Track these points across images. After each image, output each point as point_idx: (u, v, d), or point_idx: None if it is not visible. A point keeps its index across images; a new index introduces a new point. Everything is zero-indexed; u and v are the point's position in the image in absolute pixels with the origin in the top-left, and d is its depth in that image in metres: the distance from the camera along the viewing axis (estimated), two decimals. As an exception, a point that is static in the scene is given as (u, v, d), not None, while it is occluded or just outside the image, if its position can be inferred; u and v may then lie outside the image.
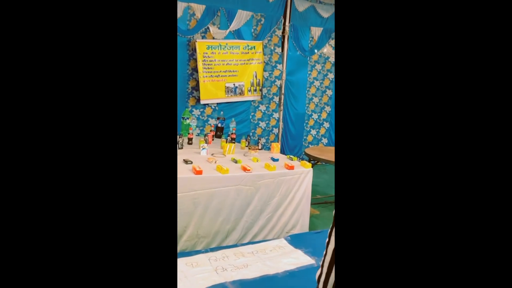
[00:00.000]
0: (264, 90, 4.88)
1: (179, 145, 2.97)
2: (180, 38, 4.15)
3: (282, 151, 4.08)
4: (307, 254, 1.43)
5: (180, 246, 2.21)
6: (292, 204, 2.76)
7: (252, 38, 4.60)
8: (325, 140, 5.57)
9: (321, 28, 4.98)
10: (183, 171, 2.33)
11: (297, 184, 2.77)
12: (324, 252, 0.81)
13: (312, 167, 2.88)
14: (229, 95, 4.60)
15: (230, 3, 4.29)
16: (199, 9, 4.14)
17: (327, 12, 4.89)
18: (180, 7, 3.97)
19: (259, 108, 4.94)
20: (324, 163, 3.75)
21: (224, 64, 4.46)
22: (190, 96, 4.42)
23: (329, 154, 3.61)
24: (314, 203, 3.57)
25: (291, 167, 2.75)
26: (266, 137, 5.00)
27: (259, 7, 4.46)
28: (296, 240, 1.55)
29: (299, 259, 1.40)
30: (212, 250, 1.68)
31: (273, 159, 2.94)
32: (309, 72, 5.22)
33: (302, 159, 3.56)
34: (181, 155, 2.74)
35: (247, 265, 1.32)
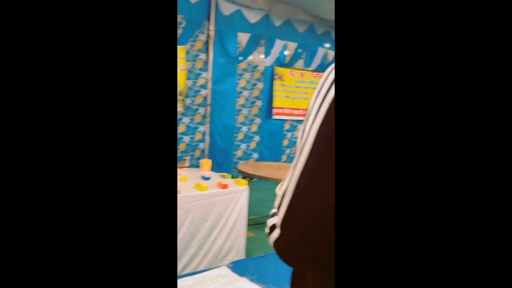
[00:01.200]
0: (188, 101, 4.81)
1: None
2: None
3: (213, 169, 4.01)
4: (253, 281, 1.41)
5: None
6: (226, 227, 2.73)
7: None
8: (255, 155, 5.63)
9: (249, 34, 5.05)
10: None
11: (232, 204, 2.76)
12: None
13: (247, 184, 2.87)
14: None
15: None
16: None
17: (255, 17, 4.99)
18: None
19: (182, 121, 4.84)
20: (257, 180, 3.75)
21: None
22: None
23: (264, 170, 3.65)
24: (249, 224, 3.56)
25: (225, 186, 2.72)
26: (191, 153, 4.90)
27: (180, 8, 4.41)
28: (240, 267, 1.54)
29: (246, 286, 1.38)
30: None
31: (204, 178, 2.90)
32: (237, 81, 5.28)
33: (235, 176, 3.53)
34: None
35: (187, 304, 1.24)
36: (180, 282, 1.43)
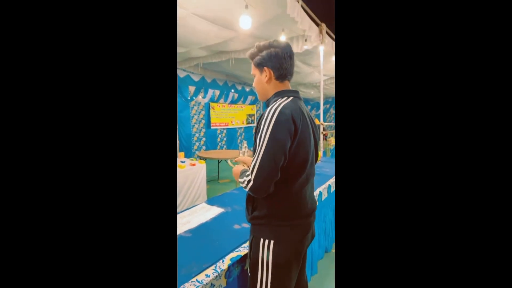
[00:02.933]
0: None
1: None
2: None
3: (186, 156, 3.86)
4: (219, 207, 1.44)
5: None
6: (196, 184, 2.67)
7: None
8: (204, 147, 5.54)
9: (194, 87, 4.92)
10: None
11: (198, 173, 2.70)
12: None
13: (204, 162, 2.85)
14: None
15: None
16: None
17: (197, 77, 4.85)
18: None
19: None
20: (209, 159, 3.73)
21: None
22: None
23: (210, 154, 3.60)
24: (207, 181, 3.53)
25: (194, 164, 2.67)
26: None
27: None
28: (211, 201, 1.55)
29: (216, 210, 1.40)
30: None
31: (182, 162, 2.78)
32: (191, 111, 5.08)
33: (197, 159, 3.44)
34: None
35: (189, 221, 1.27)
36: (185, 213, 1.39)
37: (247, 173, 0.72)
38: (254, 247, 0.78)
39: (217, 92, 5.60)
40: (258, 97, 0.85)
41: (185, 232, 1.13)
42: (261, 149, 0.68)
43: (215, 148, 5.82)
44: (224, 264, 0.88)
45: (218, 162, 4.02)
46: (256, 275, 0.77)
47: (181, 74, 4.54)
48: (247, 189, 0.72)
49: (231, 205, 1.43)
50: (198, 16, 2.17)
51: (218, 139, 6.03)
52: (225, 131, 6.15)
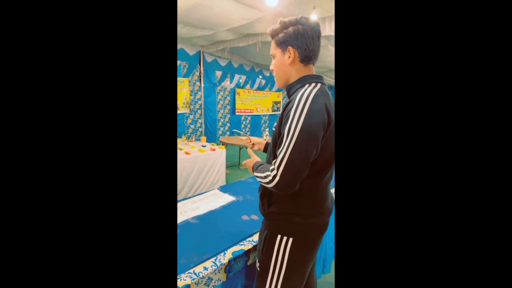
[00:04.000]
0: (191, 106, 4.61)
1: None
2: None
3: (208, 141, 3.94)
4: (231, 195, 1.40)
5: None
6: (216, 168, 2.69)
7: (182, 76, 4.28)
8: (228, 133, 5.57)
9: (221, 72, 4.88)
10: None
11: (217, 157, 2.71)
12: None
13: (224, 148, 2.85)
14: (171, 110, 4.24)
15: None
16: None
17: (223, 62, 4.80)
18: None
19: (189, 117, 4.66)
20: (230, 145, 3.74)
21: (166, 92, 4.07)
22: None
23: (231, 140, 3.63)
24: (227, 166, 3.57)
25: (214, 149, 2.68)
26: (195, 133, 4.76)
27: (184, 58, 4.15)
28: (224, 189, 1.51)
29: (227, 198, 1.37)
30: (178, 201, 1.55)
31: (203, 146, 2.82)
32: (216, 96, 5.11)
33: (218, 144, 3.48)
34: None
35: (199, 207, 1.25)
36: (196, 198, 1.38)
37: (271, 167, 0.63)
38: (268, 243, 0.71)
39: (244, 78, 5.50)
40: (276, 82, 0.73)
41: (193, 218, 1.11)
42: (291, 141, 0.59)
43: (238, 134, 5.83)
44: (225, 257, 0.83)
45: (240, 149, 4.01)
46: (267, 272, 0.71)
47: (208, 58, 4.52)
48: (270, 186, 0.63)
49: (243, 194, 1.38)
50: (223, -5, 2.06)
51: (242, 125, 6.01)
52: (249, 118, 6.09)
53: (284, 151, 0.60)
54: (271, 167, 0.63)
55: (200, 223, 1.07)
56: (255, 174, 0.71)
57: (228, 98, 5.46)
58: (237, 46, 3.63)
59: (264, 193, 0.74)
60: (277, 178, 0.61)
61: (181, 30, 2.98)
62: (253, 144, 0.99)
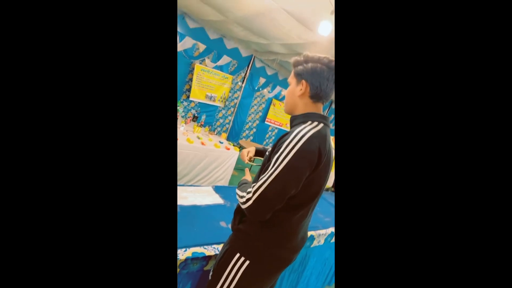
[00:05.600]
0: (227, 102, 4.77)
1: (169, 120, 2.76)
2: (187, 60, 3.88)
3: (227, 139, 4.04)
4: (221, 197, 1.41)
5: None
6: (223, 167, 2.74)
7: (228, 72, 4.46)
8: (251, 138, 5.63)
9: (265, 79, 4.99)
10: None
11: (229, 157, 2.75)
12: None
13: (239, 151, 2.89)
14: (207, 99, 4.43)
15: (221, 49, 4.10)
16: (202, 47, 3.90)
17: (271, 71, 4.90)
18: (191, 42, 3.70)
19: (221, 111, 4.82)
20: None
21: (208, 82, 4.27)
22: (184, 93, 4.16)
23: (250, 145, 3.64)
24: (236, 169, 3.60)
25: (228, 149, 2.73)
26: (221, 128, 4.91)
27: (236, 57, 4.34)
28: (217, 189, 1.52)
29: (216, 199, 1.38)
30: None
31: (220, 142, 2.89)
32: (253, 100, 5.22)
33: (236, 144, 3.54)
34: (168, 126, 2.57)
35: (186, 197, 1.28)
36: (188, 188, 1.41)
37: (249, 189, 0.64)
38: (226, 257, 0.72)
39: (284, 92, 5.55)
40: (284, 108, 0.76)
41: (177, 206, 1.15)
42: (274, 171, 0.60)
43: (260, 143, 5.86)
44: (184, 254, 0.85)
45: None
46: (216, 284, 0.72)
47: (257, 63, 4.66)
48: (243, 207, 0.65)
49: (233, 201, 1.40)
50: (286, 11, 2.13)
51: (267, 135, 6.04)
52: (276, 131, 6.11)
53: (265, 179, 0.61)
54: (249, 189, 0.64)
55: (179, 213, 1.11)
56: (236, 190, 0.72)
57: (263, 105, 5.54)
58: (287, 61, 3.70)
59: (239, 209, 0.75)
60: (250, 202, 0.62)
61: (240, 32, 3.14)
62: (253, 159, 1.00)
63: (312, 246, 1.41)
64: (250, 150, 1.00)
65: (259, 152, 0.99)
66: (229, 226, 1.13)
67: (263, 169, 0.67)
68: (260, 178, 0.63)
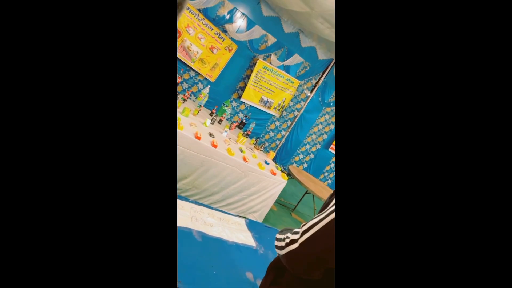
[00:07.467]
0: (285, 113, 4.84)
1: (212, 120, 2.93)
2: (250, 52, 4.12)
3: (275, 159, 4.05)
4: (253, 238, 1.39)
5: (178, 186, 2.21)
6: (262, 196, 2.74)
7: (295, 76, 4.56)
8: (305, 165, 5.53)
9: (342, 94, 4.93)
10: (205, 140, 2.32)
11: (272, 185, 2.75)
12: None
13: (287, 179, 2.85)
14: (261, 104, 4.58)
15: (293, 46, 4.24)
16: (271, 40, 4.10)
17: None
18: (260, 32, 3.92)
19: (275, 122, 4.91)
20: (297, 181, 3.72)
21: (268, 83, 4.42)
22: (236, 91, 4.39)
23: (303, 177, 3.58)
24: (277, 202, 3.55)
25: (274, 173, 2.73)
26: (269, 143, 4.97)
27: (311, 58, 4.41)
28: (251, 225, 1.52)
29: (247, 238, 1.37)
30: (196, 203, 1.66)
31: (266, 162, 2.92)
32: (319, 116, 5.17)
33: (284, 170, 3.52)
34: (210, 129, 2.73)
35: (212, 225, 1.30)
36: (215, 213, 1.44)
37: (296, 229, 0.64)
38: None
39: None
40: None
41: (199, 232, 1.17)
42: (330, 214, 0.59)
43: (319, 174, 5.69)
44: (194, 303, 0.84)
45: (306, 192, 3.91)
46: None
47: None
48: (281, 253, 0.63)
49: (268, 247, 1.36)
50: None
51: (327, 168, 5.85)
52: (341, 164, 5.87)
53: (322, 217, 0.58)
54: (296, 230, 0.62)
55: (202, 244, 1.12)
56: (276, 235, 0.70)
57: (331, 127, 5.42)
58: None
59: (276, 265, 0.71)
60: (296, 245, 0.59)
61: (324, 29, 3.19)
62: None
63: None
64: None
65: None
66: (257, 282, 1.09)
67: (323, 207, 0.64)
68: (315, 217, 0.60)
